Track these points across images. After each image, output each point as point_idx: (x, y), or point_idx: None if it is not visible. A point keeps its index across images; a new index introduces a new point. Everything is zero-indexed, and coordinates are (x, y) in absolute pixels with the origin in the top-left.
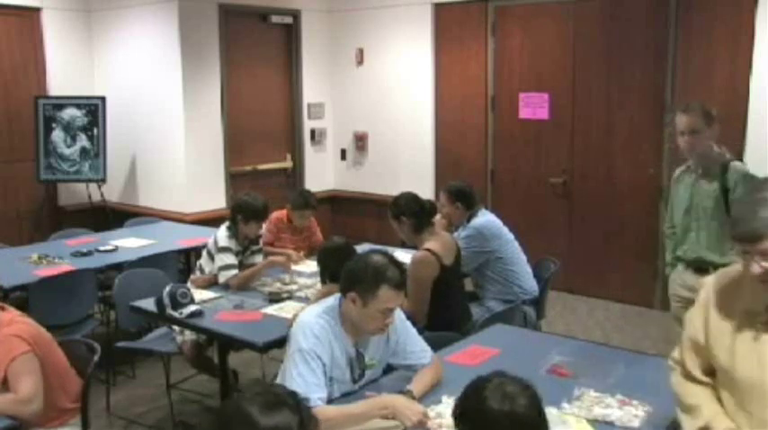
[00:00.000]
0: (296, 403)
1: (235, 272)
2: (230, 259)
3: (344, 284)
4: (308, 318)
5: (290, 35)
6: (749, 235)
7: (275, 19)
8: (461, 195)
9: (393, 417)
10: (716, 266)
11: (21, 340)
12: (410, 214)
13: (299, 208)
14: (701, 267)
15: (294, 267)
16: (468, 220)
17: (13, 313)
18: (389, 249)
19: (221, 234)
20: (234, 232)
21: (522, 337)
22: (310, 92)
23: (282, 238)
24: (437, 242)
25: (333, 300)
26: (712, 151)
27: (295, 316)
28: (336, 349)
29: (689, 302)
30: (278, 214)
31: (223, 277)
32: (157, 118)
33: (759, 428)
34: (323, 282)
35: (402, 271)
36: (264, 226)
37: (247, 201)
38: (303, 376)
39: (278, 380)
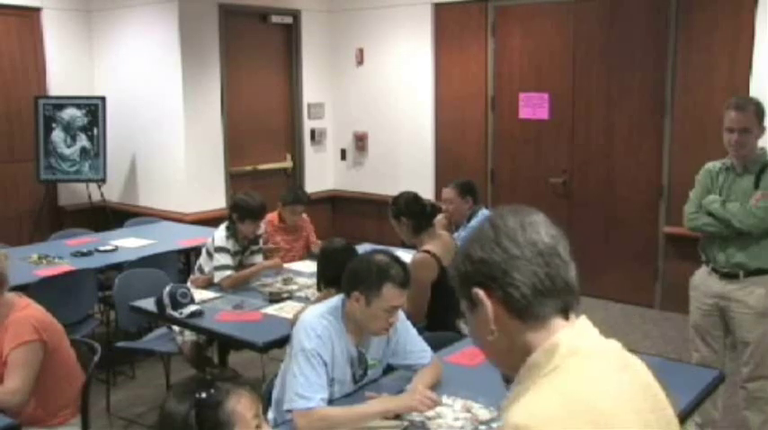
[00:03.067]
0: (200, 393)
1: (229, 272)
2: (225, 259)
3: (348, 284)
4: (311, 317)
5: (290, 35)
6: None
7: (275, 19)
8: (471, 189)
9: (401, 414)
10: (747, 271)
11: (32, 327)
12: (410, 215)
13: (289, 203)
14: (730, 273)
15: (294, 267)
16: (469, 220)
17: (28, 300)
18: (390, 249)
19: (219, 234)
20: (233, 232)
21: None
22: (310, 92)
23: (277, 241)
24: (436, 243)
25: (336, 300)
26: (756, 150)
27: (296, 316)
28: (338, 349)
29: (711, 309)
30: (269, 217)
31: (218, 277)
32: (157, 118)
33: None
34: (319, 288)
35: (405, 269)
36: (263, 226)
37: (243, 199)
38: (306, 376)
39: (278, 380)
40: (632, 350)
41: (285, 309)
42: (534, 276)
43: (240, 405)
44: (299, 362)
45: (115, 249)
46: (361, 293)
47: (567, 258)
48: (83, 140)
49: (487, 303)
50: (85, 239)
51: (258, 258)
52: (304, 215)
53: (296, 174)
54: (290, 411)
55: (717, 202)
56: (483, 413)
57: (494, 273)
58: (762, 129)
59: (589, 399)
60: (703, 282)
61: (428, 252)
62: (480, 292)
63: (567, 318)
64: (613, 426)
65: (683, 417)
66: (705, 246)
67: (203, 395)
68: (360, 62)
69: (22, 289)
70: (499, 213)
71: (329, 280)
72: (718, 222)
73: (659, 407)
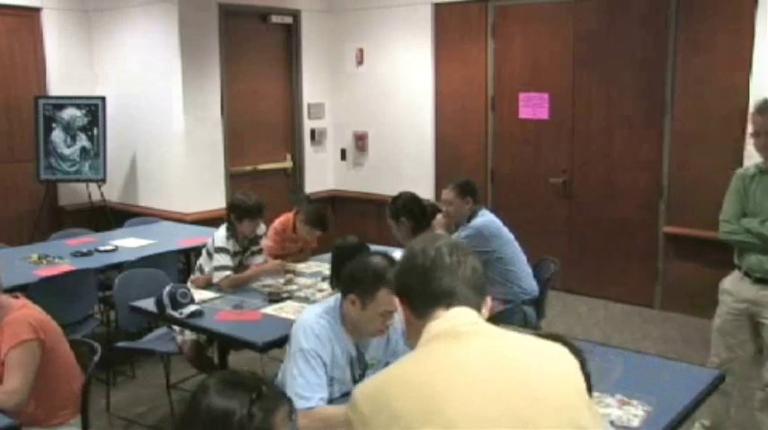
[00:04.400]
0: (255, 390)
1: (228, 273)
2: (225, 260)
3: (344, 286)
4: (309, 317)
5: (290, 35)
6: None
7: (275, 19)
8: (470, 189)
9: None
10: None
11: (29, 326)
12: (410, 216)
13: (313, 226)
14: (764, 278)
15: (294, 267)
16: (469, 220)
17: (25, 301)
18: (389, 249)
19: (220, 234)
20: (233, 232)
21: None
22: (310, 92)
23: (285, 246)
24: None
25: (333, 300)
26: None
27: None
28: (337, 349)
29: (741, 314)
30: (282, 223)
31: (217, 277)
32: (157, 118)
33: None
34: (332, 286)
35: (390, 259)
36: (266, 232)
37: (239, 199)
38: (304, 376)
39: (278, 380)
40: (632, 350)
41: (285, 309)
42: (426, 284)
43: (281, 418)
44: (297, 362)
45: (115, 249)
46: (357, 296)
47: (455, 267)
48: (83, 140)
49: (401, 308)
50: (85, 239)
51: (259, 259)
52: None
53: (296, 174)
54: None
55: (755, 221)
56: None
57: (405, 284)
58: None
59: (412, 377)
60: (734, 286)
61: None
62: (396, 300)
63: (448, 308)
64: (428, 399)
65: (683, 418)
66: (738, 251)
67: (255, 397)
68: (360, 62)
69: (22, 289)
70: (415, 241)
71: None
72: (754, 238)
73: (533, 397)
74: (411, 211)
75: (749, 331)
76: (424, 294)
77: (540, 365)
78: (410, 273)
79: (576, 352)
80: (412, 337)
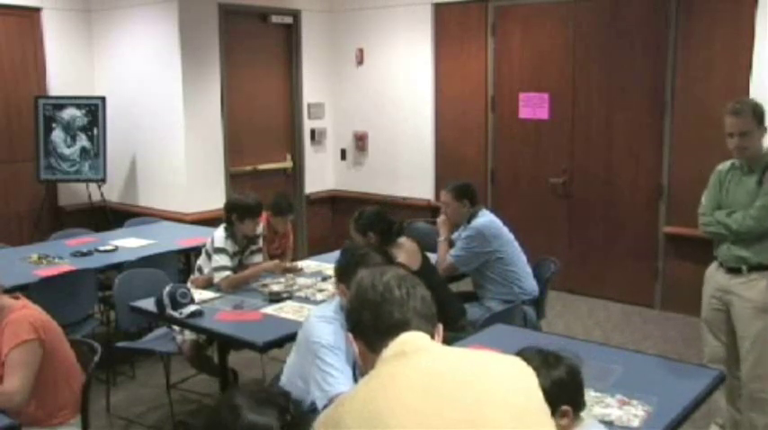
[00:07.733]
0: (286, 408)
1: (227, 273)
2: (224, 260)
3: (336, 278)
4: (324, 315)
5: (290, 35)
6: None
7: (275, 19)
8: (466, 192)
9: None
10: (750, 265)
11: (30, 326)
12: (377, 231)
13: (283, 213)
14: (735, 267)
15: (295, 265)
16: (469, 221)
17: (25, 301)
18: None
19: (218, 234)
20: (231, 233)
21: (522, 337)
22: (310, 92)
23: (275, 247)
24: (400, 253)
25: (336, 301)
26: (761, 151)
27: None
28: (344, 346)
29: (719, 302)
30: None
31: (217, 278)
32: (157, 118)
33: None
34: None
35: (386, 256)
36: (264, 231)
37: (239, 199)
38: (335, 368)
39: (283, 379)
40: (632, 350)
41: (285, 309)
42: (378, 318)
43: None
44: (322, 358)
45: (115, 249)
46: (344, 285)
47: (405, 299)
48: (83, 140)
49: (354, 344)
50: (85, 239)
51: (258, 258)
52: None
53: (296, 174)
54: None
55: (723, 213)
56: None
57: (357, 320)
58: (763, 130)
59: (359, 396)
60: (712, 275)
61: (398, 264)
62: (350, 336)
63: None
64: (373, 413)
65: (683, 418)
66: (715, 242)
67: (288, 414)
68: (360, 62)
69: (22, 289)
70: (363, 274)
71: None
72: (723, 228)
73: (477, 407)
74: (379, 228)
75: (728, 320)
76: (376, 329)
77: (488, 377)
78: (361, 309)
79: (563, 360)
80: (368, 371)
